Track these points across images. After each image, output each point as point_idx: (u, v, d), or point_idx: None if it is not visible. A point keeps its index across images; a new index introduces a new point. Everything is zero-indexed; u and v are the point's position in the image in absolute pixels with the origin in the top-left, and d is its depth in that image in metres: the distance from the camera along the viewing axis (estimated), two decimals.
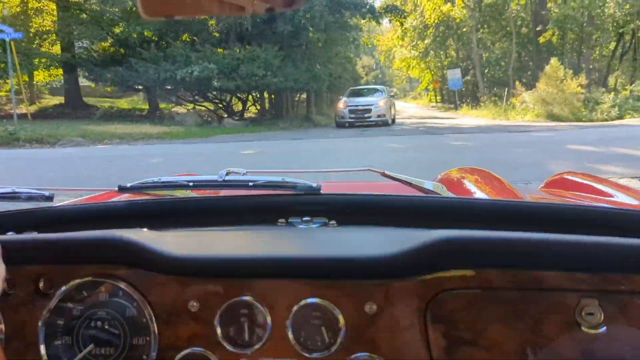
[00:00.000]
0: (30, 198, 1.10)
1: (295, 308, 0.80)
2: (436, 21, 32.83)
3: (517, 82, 23.20)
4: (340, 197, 1.08)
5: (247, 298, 0.81)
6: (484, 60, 31.86)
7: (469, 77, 31.74)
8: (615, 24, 26.72)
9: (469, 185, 1.69)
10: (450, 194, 1.22)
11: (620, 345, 0.73)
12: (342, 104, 18.37)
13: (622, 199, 1.49)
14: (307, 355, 0.79)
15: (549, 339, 0.75)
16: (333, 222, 1.02)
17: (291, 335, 0.80)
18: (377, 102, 18.13)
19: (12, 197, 1.09)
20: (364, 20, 22.81)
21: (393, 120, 19.37)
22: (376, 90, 20.53)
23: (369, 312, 0.78)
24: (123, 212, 1.09)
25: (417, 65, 38.81)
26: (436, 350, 0.77)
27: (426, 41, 34.87)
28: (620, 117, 17.77)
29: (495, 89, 28.31)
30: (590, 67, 25.58)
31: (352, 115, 17.82)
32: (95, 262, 0.86)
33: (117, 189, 1.16)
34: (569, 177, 1.85)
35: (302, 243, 0.92)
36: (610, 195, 1.54)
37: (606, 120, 17.61)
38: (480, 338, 0.76)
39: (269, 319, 0.80)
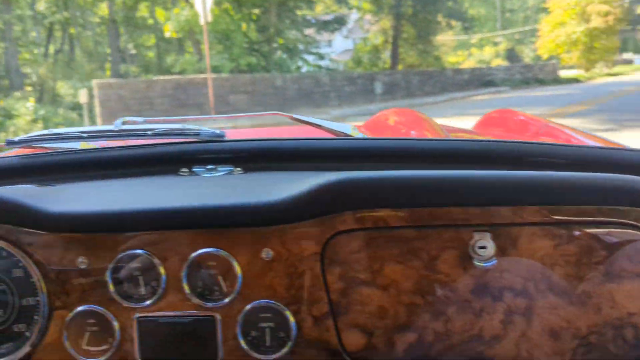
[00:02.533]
0: None
1: (189, 259, 0.78)
2: None
3: None
4: (246, 143, 1.04)
5: (139, 251, 0.79)
6: None
7: None
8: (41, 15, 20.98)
9: (391, 126, 1.63)
10: (361, 135, 1.20)
11: (512, 276, 0.75)
12: None
13: (554, 136, 1.43)
14: (204, 305, 0.78)
15: (445, 274, 0.76)
16: (239, 169, 1.00)
17: (187, 287, 0.78)
18: None
19: None
20: None
21: None
22: None
23: (265, 258, 0.78)
24: (12, 168, 1.02)
25: None
26: (334, 293, 0.78)
27: None
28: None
29: None
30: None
31: None
32: None
33: (4, 143, 1.07)
34: (500, 115, 1.79)
35: (203, 192, 0.87)
36: (537, 133, 1.51)
37: None
38: (377, 278, 0.77)
39: (162, 272, 0.79)
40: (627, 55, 45.17)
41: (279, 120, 1.23)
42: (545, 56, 32.92)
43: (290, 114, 1.14)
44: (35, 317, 0.80)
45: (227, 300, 0.77)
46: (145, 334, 0.79)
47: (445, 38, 32.57)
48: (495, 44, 41.68)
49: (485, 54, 40.25)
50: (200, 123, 1.12)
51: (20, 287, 0.80)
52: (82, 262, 0.79)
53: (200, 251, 0.78)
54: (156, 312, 0.79)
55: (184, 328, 0.78)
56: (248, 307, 0.77)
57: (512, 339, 0.75)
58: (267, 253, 0.77)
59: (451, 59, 34.44)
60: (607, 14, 31.07)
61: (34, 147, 1.09)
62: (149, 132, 1.02)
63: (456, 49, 38.23)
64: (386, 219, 0.76)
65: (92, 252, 0.79)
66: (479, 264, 0.74)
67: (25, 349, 0.81)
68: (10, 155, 1.10)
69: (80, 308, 0.79)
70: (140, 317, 0.79)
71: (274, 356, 0.78)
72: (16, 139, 1.05)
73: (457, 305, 0.75)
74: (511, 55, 40.00)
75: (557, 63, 30.67)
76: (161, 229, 0.79)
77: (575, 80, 27.66)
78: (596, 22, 31.13)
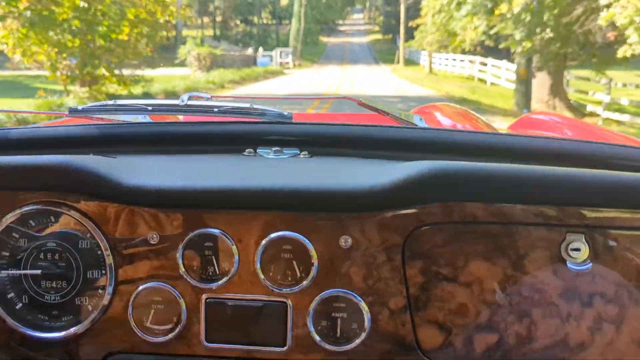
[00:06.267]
0: None
1: (264, 241, 0.77)
2: None
3: None
4: (313, 127, 1.02)
5: (213, 230, 0.77)
6: None
7: None
8: None
9: (446, 119, 1.62)
10: (428, 126, 1.20)
11: (604, 282, 0.73)
12: None
13: (596, 137, 1.42)
14: (276, 290, 0.77)
15: (532, 275, 0.74)
16: (305, 152, 0.97)
17: (260, 270, 0.77)
18: None
19: None
20: None
21: None
22: None
23: (343, 246, 0.76)
24: (75, 137, 0.97)
25: None
26: (413, 287, 0.76)
27: None
28: None
29: None
30: None
31: None
32: (43, 188, 0.79)
33: (67, 111, 1.03)
34: (535, 117, 1.77)
35: (271, 174, 0.84)
36: (582, 133, 1.49)
37: None
38: (460, 274, 0.76)
39: (235, 252, 0.77)
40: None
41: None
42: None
43: (357, 99, 1.11)
44: (100, 291, 0.78)
45: (300, 286, 0.76)
46: (213, 316, 0.77)
47: None
48: None
49: None
50: (266, 103, 1.06)
51: (85, 259, 0.77)
52: (153, 237, 0.77)
53: (276, 234, 0.76)
54: (225, 293, 0.77)
55: (253, 312, 0.76)
56: (321, 295, 0.75)
57: (598, 348, 0.73)
58: (345, 241, 0.75)
59: None
60: None
61: (96, 118, 1.05)
62: (215, 110, 0.99)
63: None
64: (475, 213, 0.74)
65: (165, 228, 0.77)
66: (572, 266, 0.72)
67: (87, 323, 0.78)
68: (72, 124, 1.07)
69: (147, 284, 0.77)
70: (209, 298, 0.77)
71: (344, 348, 0.75)
72: (79, 107, 1.01)
73: (543, 308, 0.73)
74: None
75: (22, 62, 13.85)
76: (239, 209, 0.76)
77: None
78: None
